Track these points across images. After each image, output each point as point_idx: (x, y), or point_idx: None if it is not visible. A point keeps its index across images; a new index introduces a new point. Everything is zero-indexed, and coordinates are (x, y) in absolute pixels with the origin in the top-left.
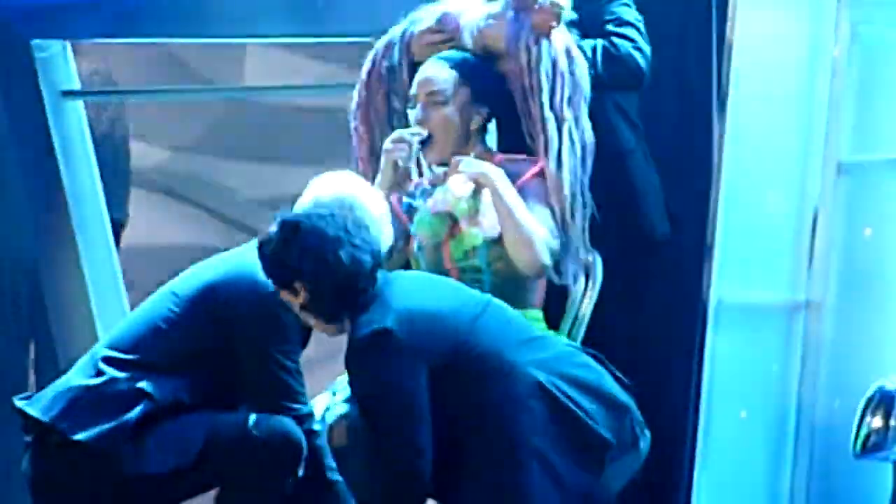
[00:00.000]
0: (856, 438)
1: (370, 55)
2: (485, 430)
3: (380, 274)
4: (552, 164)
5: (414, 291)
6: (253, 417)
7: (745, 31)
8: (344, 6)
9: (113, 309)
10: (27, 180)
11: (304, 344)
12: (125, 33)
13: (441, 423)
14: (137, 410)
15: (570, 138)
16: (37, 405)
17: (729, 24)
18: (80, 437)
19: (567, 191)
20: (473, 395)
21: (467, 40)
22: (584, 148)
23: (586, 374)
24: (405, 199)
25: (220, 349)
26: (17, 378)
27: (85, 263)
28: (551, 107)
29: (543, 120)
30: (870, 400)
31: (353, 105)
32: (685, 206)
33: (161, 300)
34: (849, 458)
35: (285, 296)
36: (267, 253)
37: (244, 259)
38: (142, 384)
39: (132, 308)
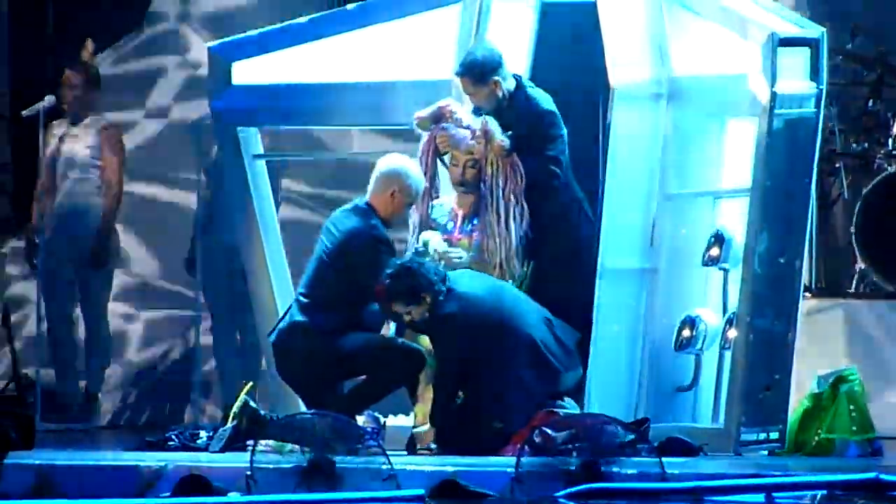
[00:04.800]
0: (675, 341)
1: (426, 137)
2: (491, 362)
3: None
4: (492, 240)
5: (468, 285)
6: (400, 338)
7: (619, 125)
8: (404, 104)
9: (282, 281)
10: (236, 204)
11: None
12: (286, 123)
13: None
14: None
15: (506, 217)
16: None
17: (611, 121)
18: (310, 325)
19: (503, 256)
20: (494, 344)
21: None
22: (520, 216)
23: (563, 333)
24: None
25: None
26: (228, 309)
27: (265, 247)
28: (502, 195)
29: (497, 210)
30: (682, 321)
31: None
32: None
33: (318, 247)
34: (671, 352)
35: (409, 309)
36: (402, 284)
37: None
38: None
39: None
